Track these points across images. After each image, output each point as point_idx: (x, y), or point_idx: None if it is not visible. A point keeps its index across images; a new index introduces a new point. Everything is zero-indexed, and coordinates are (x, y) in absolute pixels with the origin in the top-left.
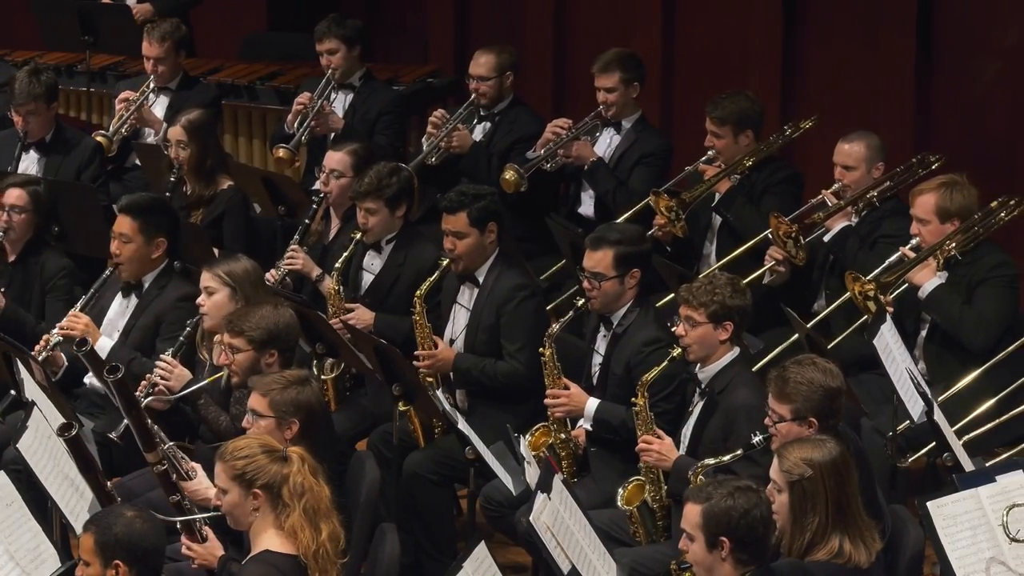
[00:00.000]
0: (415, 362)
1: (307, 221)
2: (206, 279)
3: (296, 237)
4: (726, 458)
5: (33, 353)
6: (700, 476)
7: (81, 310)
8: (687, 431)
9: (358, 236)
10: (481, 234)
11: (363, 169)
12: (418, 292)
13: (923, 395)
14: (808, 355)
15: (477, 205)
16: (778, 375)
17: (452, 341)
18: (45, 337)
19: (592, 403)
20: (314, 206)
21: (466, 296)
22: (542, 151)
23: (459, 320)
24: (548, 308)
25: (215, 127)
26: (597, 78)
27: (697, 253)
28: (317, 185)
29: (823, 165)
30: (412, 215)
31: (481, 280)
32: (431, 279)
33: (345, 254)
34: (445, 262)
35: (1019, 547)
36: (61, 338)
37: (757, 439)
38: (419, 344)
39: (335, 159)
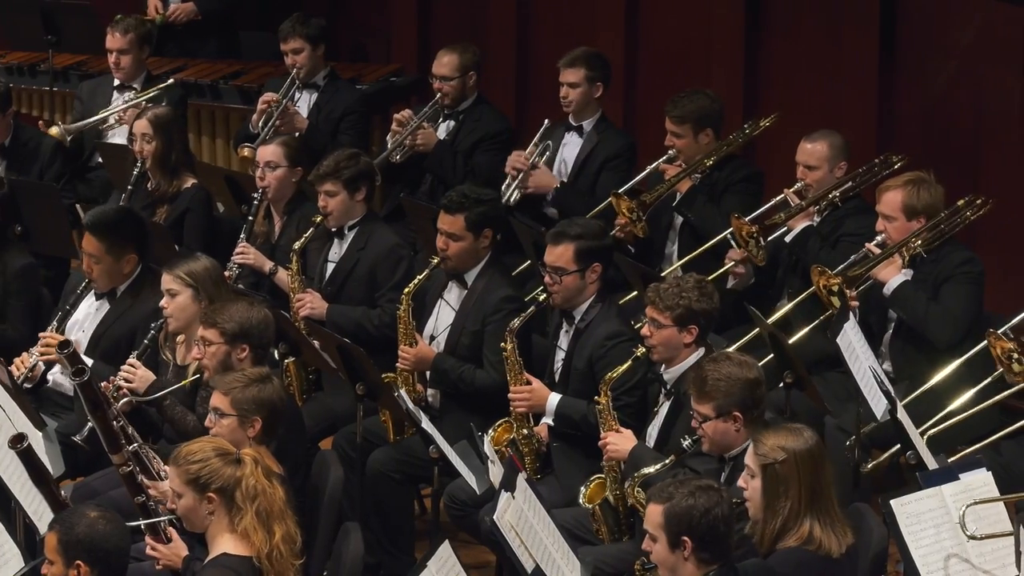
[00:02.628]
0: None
1: (250, 218)
2: (167, 281)
3: (242, 236)
4: (656, 467)
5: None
6: (636, 487)
7: (58, 327)
8: (653, 431)
9: (319, 219)
10: (476, 239)
11: (297, 159)
12: (407, 289)
13: (886, 393)
14: (722, 351)
15: (477, 210)
16: (696, 376)
17: (433, 337)
18: (23, 357)
19: (554, 398)
20: (255, 203)
21: (453, 294)
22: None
23: (443, 317)
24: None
25: (181, 124)
26: (562, 72)
27: (659, 253)
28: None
29: (785, 163)
30: (377, 209)
31: (470, 283)
32: (419, 278)
33: (306, 235)
34: (435, 261)
35: (982, 545)
36: (41, 362)
37: (687, 443)
38: (400, 340)
39: (268, 151)
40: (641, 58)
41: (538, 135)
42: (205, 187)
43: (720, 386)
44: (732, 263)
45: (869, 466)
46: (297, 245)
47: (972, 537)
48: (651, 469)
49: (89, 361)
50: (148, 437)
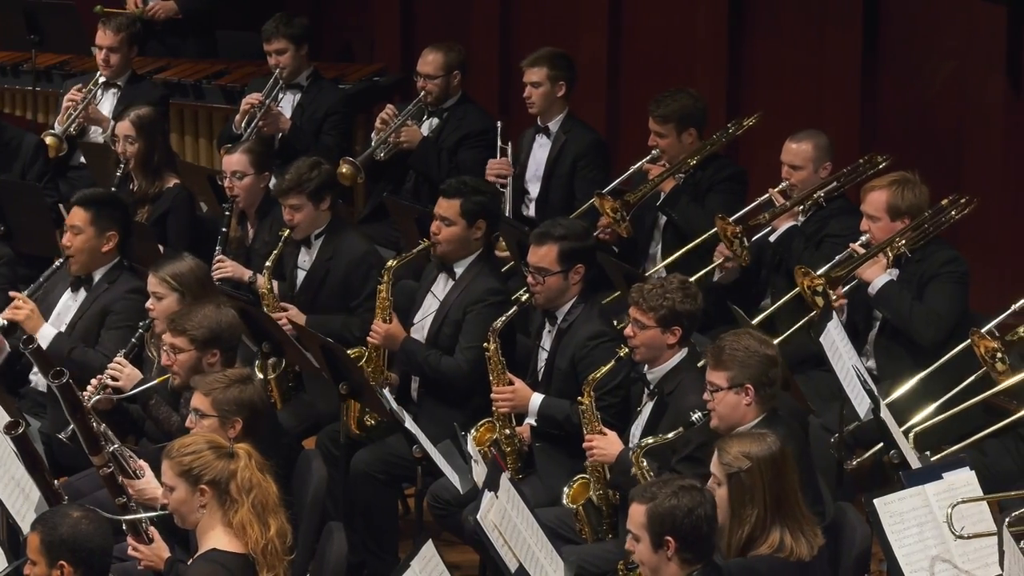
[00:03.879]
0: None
1: (224, 229)
2: (153, 284)
3: (218, 248)
4: (670, 435)
5: None
6: (641, 457)
7: (29, 296)
8: (636, 430)
9: (286, 233)
10: (468, 227)
11: (262, 165)
12: (390, 263)
13: (869, 392)
14: (744, 328)
15: (474, 198)
16: (714, 345)
17: (413, 324)
18: None
19: (536, 398)
20: (227, 213)
21: (440, 286)
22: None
23: (428, 307)
24: None
25: (163, 124)
26: (525, 72)
27: (643, 252)
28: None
29: (768, 163)
30: (360, 208)
31: (458, 274)
32: (408, 254)
33: (275, 252)
34: (424, 243)
35: (965, 544)
36: (5, 322)
37: (696, 416)
38: (376, 314)
39: (233, 161)
40: (624, 57)
41: (498, 138)
42: (187, 187)
43: (737, 356)
44: (723, 258)
45: (854, 463)
46: (268, 262)
47: (960, 536)
48: (652, 439)
49: (51, 330)
50: (129, 436)
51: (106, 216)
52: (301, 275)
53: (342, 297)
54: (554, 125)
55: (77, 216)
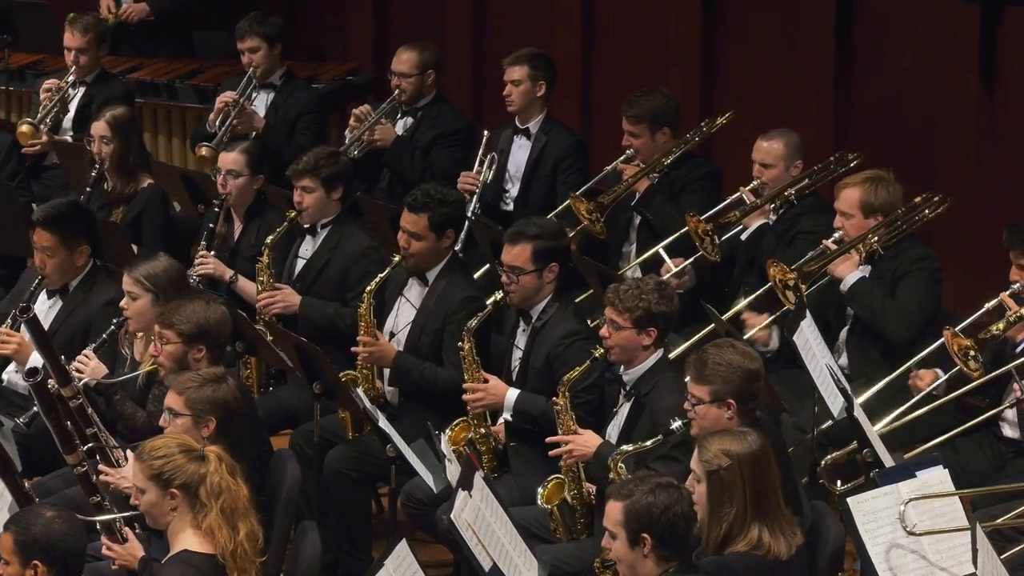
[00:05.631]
0: (354, 348)
1: (211, 225)
2: (128, 284)
3: (203, 243)
4: (648, 443)
5: None
6: (620, 463)
7: (12, 324)
8: (613, 431)
9: (292, 215)
10: (438, 239)
11: (257, 167)
12: (368, 288)
13: (843, 391)
14: (727, 339)
15: (441, 210)
16: (696, 358)
17: (393, 335)
18: None
19: (512, 393)
20: (215, 209)
21: (414, 292)
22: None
23: (403, 314)
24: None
25: (138, 124)
26: (506, 71)
27: (616, 252)
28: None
29: (742, 162)
30: None
31: (431, 281)
32: (382, 275)
33: (279, 229)
34: (396, 258)
35: (939, 543)
36: None
37: (676, 424)
38: (360, 331)
39: (229, 159)
40: (598, 58)
41: (481, 150)
42: (161, 187)
43: (719, 371)
44: (666, 275)
45: (829, 459)
46: (270, 239)
47: (911, 533)
48: (632, 447)
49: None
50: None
51: (72, 232)
52: (300, 264)
53: (338, 288)
54: (534, 127)
55: (45, 238)
